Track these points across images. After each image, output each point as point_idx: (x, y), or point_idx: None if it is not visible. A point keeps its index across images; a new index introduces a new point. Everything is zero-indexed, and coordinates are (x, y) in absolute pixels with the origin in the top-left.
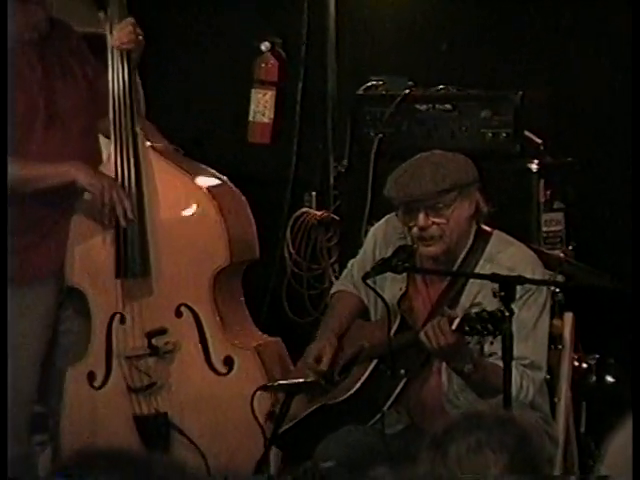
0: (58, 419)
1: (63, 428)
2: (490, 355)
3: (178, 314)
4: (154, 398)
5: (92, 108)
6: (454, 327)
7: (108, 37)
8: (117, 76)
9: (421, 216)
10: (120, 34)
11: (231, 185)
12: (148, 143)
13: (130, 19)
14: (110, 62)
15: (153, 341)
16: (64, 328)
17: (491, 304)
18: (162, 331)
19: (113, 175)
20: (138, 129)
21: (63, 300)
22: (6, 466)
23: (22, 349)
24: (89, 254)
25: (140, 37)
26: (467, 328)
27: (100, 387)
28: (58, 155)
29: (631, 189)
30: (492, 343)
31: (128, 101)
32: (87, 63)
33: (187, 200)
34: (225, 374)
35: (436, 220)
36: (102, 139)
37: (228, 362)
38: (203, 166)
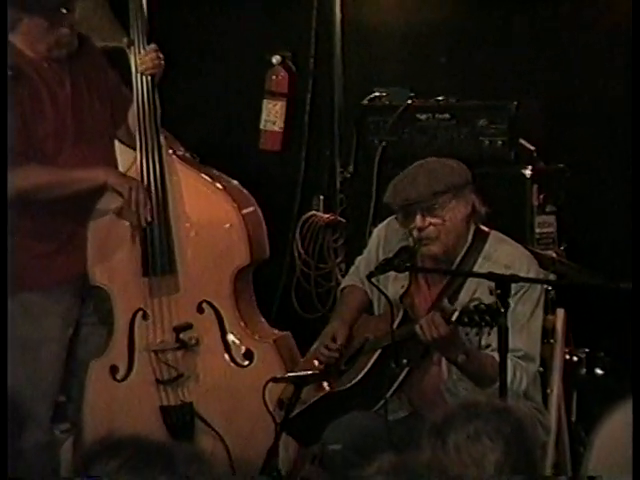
0: (80, 410)
1: (85, 420)
2: (487, 347)
3: (200, 310)
4: (180, 389)
5: (112, 122)
6: (454, 319)
7: (131, 60)
8: (142, 96)
9: (418, 217)
10: (144, 60)
11: (242, 188)
12: (170, 151)
13: (153, 46)
14: (135, 84)
15: (181, 335)
16: (86, 322)
17: (488, 300)
18: (189, 326)
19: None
20: (163, 139)
21: (85, 298)
22: (6, 466)
23: (45, 346)
24: (112, 255)
25: (162, 62)
26: (466, 319)
27: (123, 380)
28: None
29: (621, 193)
30: (489, 334)
31: (153, 117)
32: (108, 78)
33: (210, 202)
34: (245, 366)
35: (432, 221)
36: (118, 145)
37: (248, 355)
38: (216, 171)
